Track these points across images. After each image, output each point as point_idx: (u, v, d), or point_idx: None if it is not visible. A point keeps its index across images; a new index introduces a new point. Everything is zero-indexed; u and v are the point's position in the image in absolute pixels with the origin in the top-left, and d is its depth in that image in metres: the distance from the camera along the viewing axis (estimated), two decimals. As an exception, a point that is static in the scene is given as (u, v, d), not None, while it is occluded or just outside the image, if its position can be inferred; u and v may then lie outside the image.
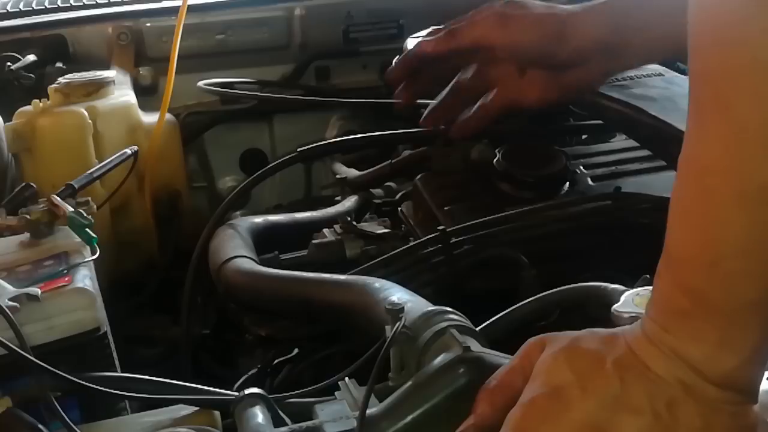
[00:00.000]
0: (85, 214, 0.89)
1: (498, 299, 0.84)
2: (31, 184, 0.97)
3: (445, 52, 1.03)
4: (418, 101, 1.17)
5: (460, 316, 0.71)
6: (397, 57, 1.13)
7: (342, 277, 0.92)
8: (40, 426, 0.70)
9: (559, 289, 0.81)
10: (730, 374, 0.52)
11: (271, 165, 1.27)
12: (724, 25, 0.48)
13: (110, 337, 0.83)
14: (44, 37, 1.61)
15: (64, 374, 0.71)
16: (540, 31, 0.98)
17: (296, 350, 1.02)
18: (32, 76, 1.51)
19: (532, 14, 0.99)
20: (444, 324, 0.69)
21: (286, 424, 0.66)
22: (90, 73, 1.38)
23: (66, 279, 0.80)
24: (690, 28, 0.52)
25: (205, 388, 0.76)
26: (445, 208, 1.07)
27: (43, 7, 1.71)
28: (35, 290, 0.76)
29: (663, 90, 1.09)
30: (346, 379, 0.70)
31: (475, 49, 1.02)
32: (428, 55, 1.05)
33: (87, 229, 0.87)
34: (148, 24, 1.64)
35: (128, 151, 1.20)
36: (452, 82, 1.09)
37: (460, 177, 1.15)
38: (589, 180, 1.12)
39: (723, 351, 0.52)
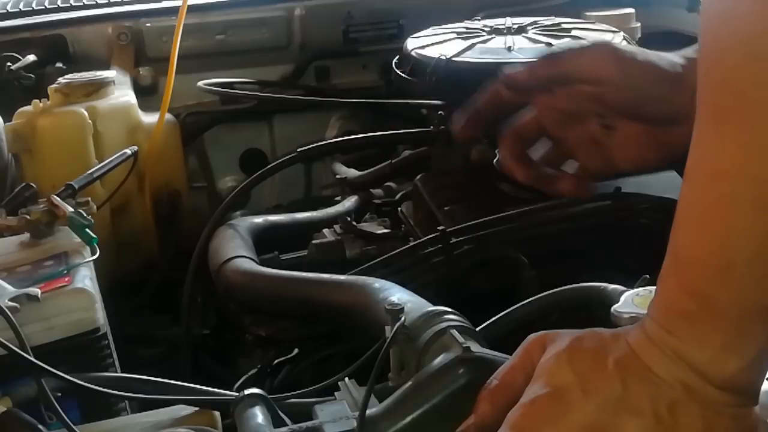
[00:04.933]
0: (85, 214, 0.89)
1: (498, 299, 0.84)
2: (31, 184, 0.97)
3: (543, 78, 0.84)
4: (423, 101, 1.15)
5: (459, 316, 0.71)
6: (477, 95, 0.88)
7: (342, 277, 0.92)
8: (40, 426, 0.70)
9: (559, 289, 0.81)
10: (733, 377, 0.52)
11: (271, 165, 1.27)
12: (753, 36, 0.48)
13: (110, 337, 0.83)
14: (44, 37, 1.62)
15: (64, 374, 0.71)
16: (657, 74, 0.82)
17: (296, 350, 1.02)
18: (32, 76, 1.51)
19: (648, 54, 0.83)
20: (444, 324, 0.69)
21: (286, 424, 0.66)
22: (90, 73, 1.39)
23: (66, 279, 0.80)
24: (706, 36, 0.51)
25: (205, 388, 0.76)
26: (445, 208, 1.07)
27: (43, 7, 1.72)
28: (35, 290, 0.76)
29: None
30: (346, 379, 0.69)
31: (580, 79, 0.83)
32: (520, 84, 0.86)
33: (87, 230, 0.87)
34: (148, 24, 1.64)
35: (128, 151, 1.20)
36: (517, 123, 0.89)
37: (460, 177, 1.15)
38: (589, 180, 1.11)
39: (727, 354, 0.52)
